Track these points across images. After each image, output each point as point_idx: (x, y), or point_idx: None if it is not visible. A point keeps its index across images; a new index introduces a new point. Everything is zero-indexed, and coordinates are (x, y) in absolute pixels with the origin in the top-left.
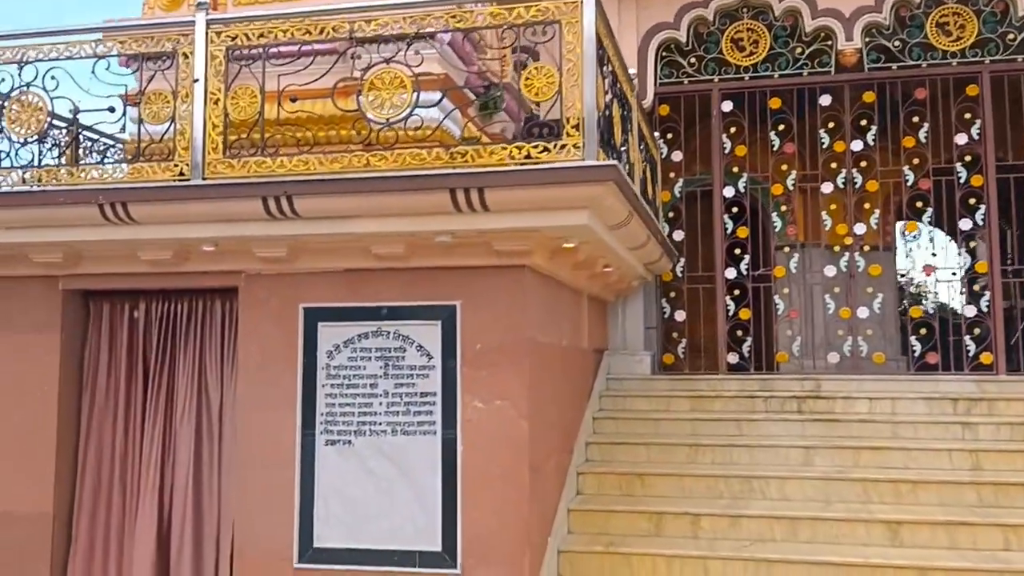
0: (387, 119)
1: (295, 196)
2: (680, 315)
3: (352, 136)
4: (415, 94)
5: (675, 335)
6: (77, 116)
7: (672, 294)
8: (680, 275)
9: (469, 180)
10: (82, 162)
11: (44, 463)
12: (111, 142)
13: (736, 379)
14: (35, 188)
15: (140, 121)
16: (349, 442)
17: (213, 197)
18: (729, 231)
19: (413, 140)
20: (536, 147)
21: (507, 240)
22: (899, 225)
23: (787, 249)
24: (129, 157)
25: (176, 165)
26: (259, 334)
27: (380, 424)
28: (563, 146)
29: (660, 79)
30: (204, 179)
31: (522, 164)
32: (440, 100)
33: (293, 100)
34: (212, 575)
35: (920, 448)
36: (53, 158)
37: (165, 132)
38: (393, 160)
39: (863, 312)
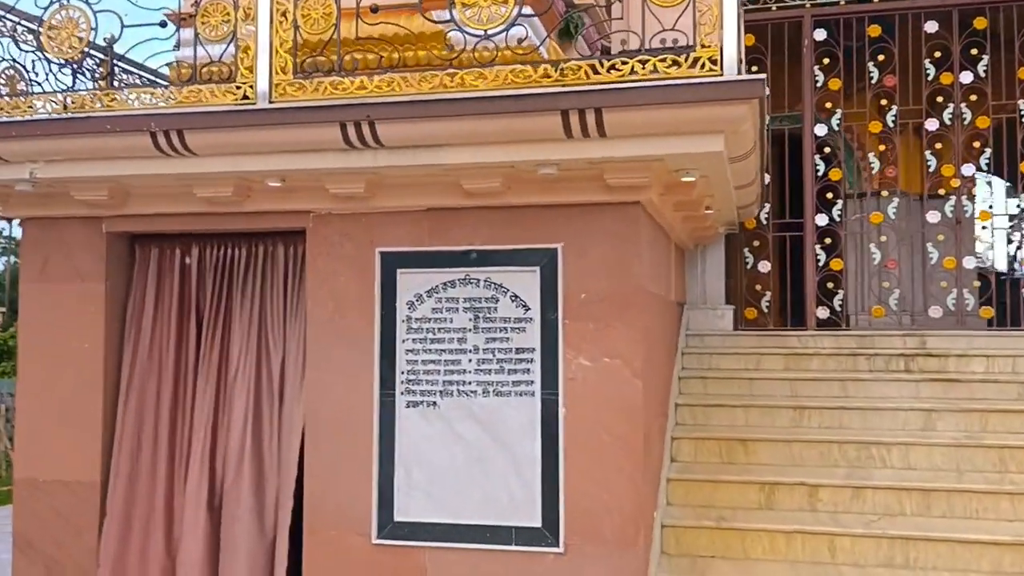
0: (485, 31)
1: (378, 121)
2: (764, 266)
3: (441, 55)
4: (517, 6)
5: (758, 288)
6: (123, 29)
7: (756, 243)
8: (764, 222)
9: (584, 99)
10: (127, 88)
11: (91, 429)
12: (149, 75)
13: (829, 335)
14: (78, 115)
15: (196, 38)
16: (434, 404)
17: (282, 123)
18: (821, 174)
19: (512, 58)
20: (663, 60)
21: (623, 172)
22: (965, 169)
23: (885, 193)
24: (181, 81)
25: (239, 87)
26: (330, 282)
27: (469, 384)
28: (697, 59)
29: (745, 5)
30: (271, 103)
31: (646, 81)
32: (535, 16)
33: (374, 10)
34: (271, 549)
35: None
36: (94, 82)
37: (224, 51)
38: (492, 79)
39: (969, 262)
